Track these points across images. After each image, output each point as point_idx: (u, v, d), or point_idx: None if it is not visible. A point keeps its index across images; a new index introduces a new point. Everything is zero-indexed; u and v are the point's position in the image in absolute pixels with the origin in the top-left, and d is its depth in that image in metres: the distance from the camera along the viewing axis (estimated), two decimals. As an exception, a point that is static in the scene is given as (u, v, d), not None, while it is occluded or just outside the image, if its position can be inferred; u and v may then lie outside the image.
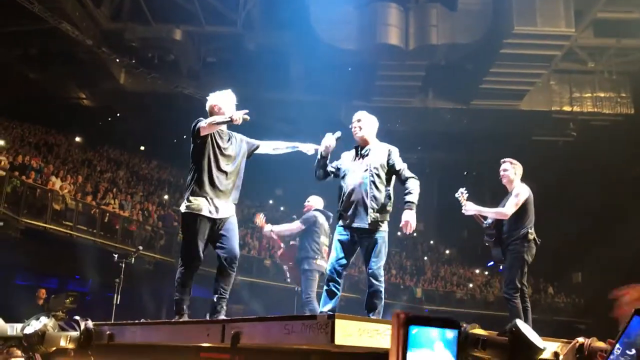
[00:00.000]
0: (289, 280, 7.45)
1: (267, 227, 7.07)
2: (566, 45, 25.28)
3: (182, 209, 4.97)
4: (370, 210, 4.79)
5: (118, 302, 6.75)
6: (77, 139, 28.11)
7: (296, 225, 7.07)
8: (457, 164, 35.14)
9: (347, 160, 5.21)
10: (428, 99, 29.63)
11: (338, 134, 5.28)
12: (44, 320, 2.60)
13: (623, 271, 27.00)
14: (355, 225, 4.88)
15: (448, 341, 1.18)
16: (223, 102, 5.26)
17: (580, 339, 2.75)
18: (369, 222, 4.78)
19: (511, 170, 5.66)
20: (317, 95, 28.16)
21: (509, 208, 5.40)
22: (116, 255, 6.92)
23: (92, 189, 19.43)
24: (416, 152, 35.19)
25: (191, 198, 4.92)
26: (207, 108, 5.35)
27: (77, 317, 2.78)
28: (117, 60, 25.58)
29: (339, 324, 1.69)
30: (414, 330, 1.09)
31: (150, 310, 19.64)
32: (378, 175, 4.95)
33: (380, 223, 4.81)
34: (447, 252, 36.23)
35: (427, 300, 27.45)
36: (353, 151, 5.28)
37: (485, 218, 5.77)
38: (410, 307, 25.94)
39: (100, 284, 19.96)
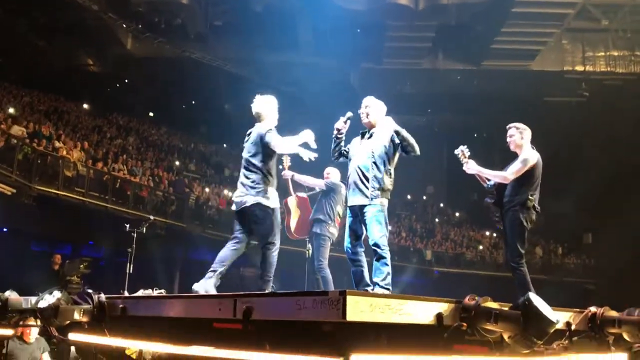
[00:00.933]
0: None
1: (289, 173, 7.01)
2: (579, 3, 24.78)
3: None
4: (371, 189, 5.11)
5: (131, 272, 6.78)
6: (86, 106, 28.09)
7: (320, 182, 7.03)
8: (467, 126, 34.83)
9: (354, 144, 5.53)
10: (438, 61, 29.27)
11: (349, 114, 5.51)
12: (57, 294, 2.62)
13: (633, 233, 27.00)
14: (356, 203, 5.22)
15: None
16: (269, 109, 5.74)
17: (593, 309, 2.73)
18: (370, 198, 5.11)
19: (517, 135, 5.44)
20: (326, 57, 27.90)
21: (510, 173, 5.28)
22: (128, 225, 6.91)
23: (103, 156, 19.51)
24: (426, 115, 34.95)
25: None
26: (254, 113, 5.73)
27: (90, 291, 2.80)
28: (124, 25, 25.42)
29: (351, 300, 1.71)
30: None
31: (163, 276, 19.95)
32: (380, 157, 5.21)
33: (379, 199, 5.10)
34: (457, 214, 36.25)
35: (436, 262, 27.58)
36: (360, 136, 5.59)
37: (488, 179, 5.65)
38: (420, 270, 26.10)
39: (113, 250, 20.23)
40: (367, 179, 5.15)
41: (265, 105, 5.70)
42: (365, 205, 5.13)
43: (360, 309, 1.79)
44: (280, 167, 7.02)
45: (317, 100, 29.78)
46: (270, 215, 5.29)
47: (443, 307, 2.11)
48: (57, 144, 16.63)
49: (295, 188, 7.30)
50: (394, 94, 30.47)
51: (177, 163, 26.28)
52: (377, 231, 5.02)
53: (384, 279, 4.89)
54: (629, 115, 25.39)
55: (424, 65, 29.36)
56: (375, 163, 5.17)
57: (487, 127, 35.99)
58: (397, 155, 5.27)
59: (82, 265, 9.52)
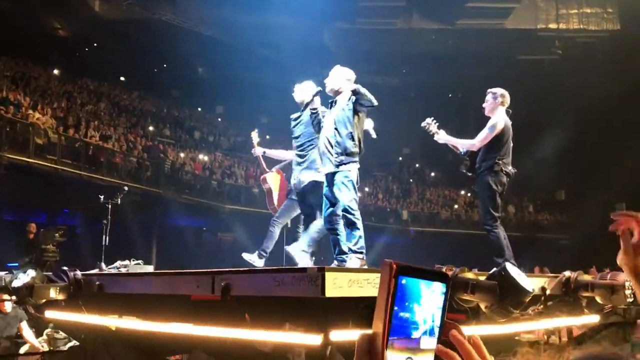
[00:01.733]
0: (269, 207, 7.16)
1: (259, 150, 6.87)
2: (553, -41, 24.64)
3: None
4: (335, 156, 5.10)
5: (107, 244, 6.67)
6: (55, 71, 27.37)
7: (290, 154, 6.88)
8: (443, 86, 34.88)
9: (325, 116, 5.48)
10: (412, 20, 29.06)
11: (318, 88, 5.51)
12: (31, 273, 2.56)
13: (605, 188, 27.58)
14: (326, 172, 5.24)
15: (438, 294, 1.17)
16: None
17: (567, 273, 2.79)
18: (335, 165, 5.11)
19: (491, 100, 5.50)
20: (299, 17, 27.46)
21: (478, 140, 5.38)
22: (102, 197, 6.76)
23: (74, 122, 19.12)
24: (401, 75, 34.84)
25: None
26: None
27: (65, 268, 2.74)
28: (90, -14, 24.61)
29: (329, 276, 1.70)
30: (403, 280, 1.09)
31: (141, 243, 19.87)
32: (340, 122, 5.17)
33: (345, 165, 5.06)
34: (433, 174, 36.58)
35: (413, 222, 27.91)
36: (329, 106, 5.54)
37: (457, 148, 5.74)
38: (397, 230, 26.39)
39: (89, 217, 20.05)
40: (332, 146, 5.16)
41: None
42: (333, 173, 5.13)
43: (339, 285, 1.79)
44: (252, 138, 6.96)
45: (293, 61, 29.45)
46: None
47: None
48: (27, 111, 16.20)
49: (267, 164, 7.19)
50: (370, 54, 30.30)
51: (150, 128, 25.90)
52: (345, 196, 5.01)
53: (356, 244, 4.93)
54: (601, 72, 25.65)
55: (398, 25, 29.13)
56: (336, 129, 5.15)
57: (462, 87, 36.09)
58: (360, 116, 5.19)
59: (57, 234, 9.38)
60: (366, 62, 32.89)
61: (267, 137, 32.00)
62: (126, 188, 7.02)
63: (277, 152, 7.05)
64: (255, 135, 6.87)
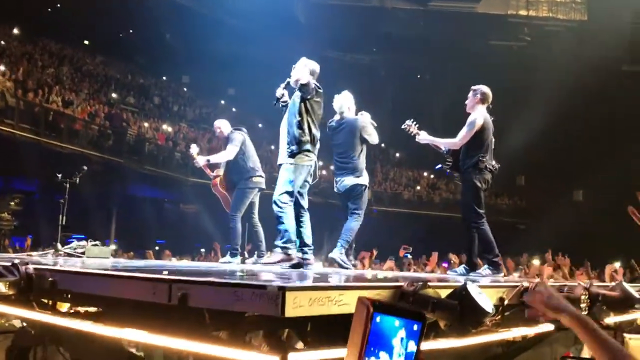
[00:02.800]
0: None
1: (201, 160, 6.81)
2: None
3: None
4: (287, 147, 5.05)
5: (64, 223, 6.47)
6: (15, 30, 26.36)
7: (228, 152, 6.70)
8: (412, 67, 34.98)
9: None
10: (386, -1, 28.96)
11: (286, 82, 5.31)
12: None
13: (565, 174, 28.28)
14: (280, 163, 5.19)
15: (412, 332, 1.16)
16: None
17: (525, 283, 2.83)
18: (286, 156, 5.05)
19: (471, 97, 5.50)
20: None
21: (458, 139, 5.39)
22: (59, 175, 6.55)
23: (34, 86, 18.50)
24: (371, 54, 34.78)
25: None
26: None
27: (16, 262, 2.63)
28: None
29: (290, 296, 1.67)
30: (378, 318, 1.07)
31: (100, 214, 19.52)
32: (292, 114, 5.10)
33: (294, 157, 4.97)
34: (397, 155, 36.80)
35: (375, 201, 28.08)
36: None
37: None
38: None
39: (48, 183, 19.58)
40: (286, 139, 5.12)
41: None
42: (281, 165, 5.10)
43: (299, 304, 1.76)
44: (191, 153, 6.98)
45: (262, 32, 29.05)
46: None
47: (382, 294, 2.11)
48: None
49: (211, 169, 7.14)
50: (341, 32, 30.12)
51: (114, 95, 25.28)
52: (278, 189, 4.95)
53: (281, 238, 4.87)
54: (568, 60, 26.08)
55: (371, 2, 28.97)
56: (289, 121, 5.11)
57: (430, 69, 36.29)
58: (310, 105, 5.06)
59: (12, 202, 9.15)
60: (337, 39, 32.76)
61: (234, 109, 31.77)
62: (85, 167, 6.80)
63: (218, 156, 6.95)
64: (193, 148, 6.92)
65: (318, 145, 5.15)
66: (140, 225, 21.17)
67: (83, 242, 6.51)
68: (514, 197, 32.29)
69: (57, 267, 2.72)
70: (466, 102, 5.56)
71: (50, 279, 2.50)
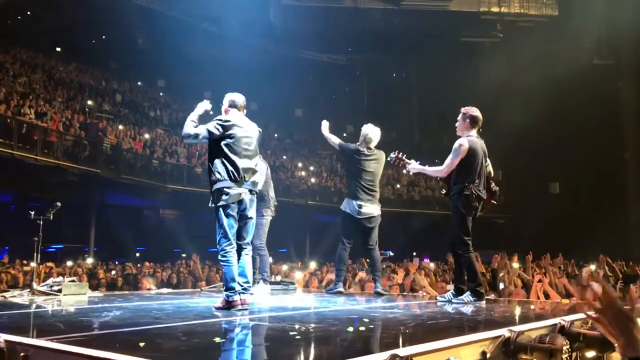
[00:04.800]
0: None
1: None
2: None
3: None
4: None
5: (39, 261, 6.35)
6: (-16, 40, 25.93)
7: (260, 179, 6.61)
8: (387, 65, 35.13)
9: None
10: (359, -1, 29.03)
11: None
12: None
13: (541, 168, 28.65)
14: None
15: None
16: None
17: (506, 334, 2.84)
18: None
19: (460, 120, 5.40)
20: (245, -8, 26.93)
21: (444, 167, 5.32)
22: (32, 212, 6.47)
23: (5, 97, 18.22)
24: (346, 54, 34.84)
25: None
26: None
27: None
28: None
29: None
30: None
31: (78, 224, 19.31)
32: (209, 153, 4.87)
33: (213, 197, 4.69)
34: (376, 152, 37.00)
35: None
36: None
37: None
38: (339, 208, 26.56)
39: (23, 195, 19.35)
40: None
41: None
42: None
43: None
44: None
45: (237, 37, 28.96)
46: None
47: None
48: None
49: None
50: (315, 33, 30.13)
51: (89, 102, 25.01)
52: (217, 233, 4.68)
53: (224, 285, 4.65)
54: (540, 55, 26.40)
55: (345, 3, 29.02)
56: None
57: (405, 67, 36.49)
58: (212, 141, 4.72)
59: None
60: (312, 40, 32.74)
61: (211, 113, 31.56)
62: (59, 204, 6.69)
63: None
64: None
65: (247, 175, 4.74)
66: (119, 233, 21.02)
67: (59, 279, 6.46)
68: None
69: (30, 342, 2.61)
70: (456, 124, 5.48)
71: (22, 354, 2.42)
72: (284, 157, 30.26)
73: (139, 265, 14.95)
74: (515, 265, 8.09)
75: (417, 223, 26.44)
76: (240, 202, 4.66)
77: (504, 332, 2.84)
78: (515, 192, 29.42)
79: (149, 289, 8.23)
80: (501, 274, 7.73)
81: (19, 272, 12.42)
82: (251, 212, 4.79)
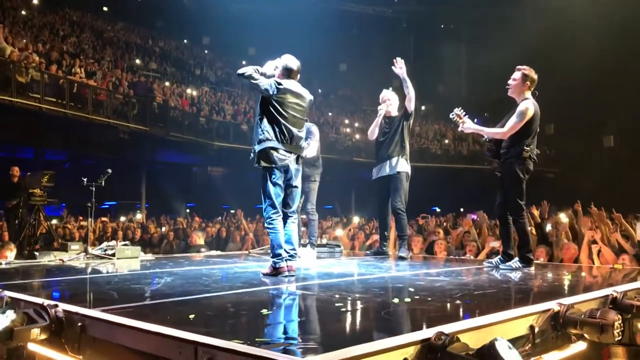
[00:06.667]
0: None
1: None
2: None
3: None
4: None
5: (92, 226, 6.54)
6: (35, 1, 26.40)
7: (314, 145, 6.47)
8: (434, 17, 34.17)
9: None
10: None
11: None
12: (10, 315, 2.46)
13: (594, 121, 27.69)
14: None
15: None
16: None
17: (555, 307, 2.75)
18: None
19: (519, 81, 5.19)
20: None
21: (507, 129, 5.13)
22: (85, 179, 6.62)
23: (58, 58, 18.59)
24: (392, 5, 34.02)
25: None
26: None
27: (46, 305, 2.65)
28: None
29: None
30: None
31: (129, 181, 19.79)
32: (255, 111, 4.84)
33: (259, 161, 4.60)
34: (423, 107, 36.37)
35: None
36: None
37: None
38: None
39: (78, 152, 19.94)
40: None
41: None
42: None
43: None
44: None
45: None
46: None
47: (408, 351, 2.08)
48: (6, 48, 15.60)
49: None
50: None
51: (136, 61, 25.33)
52: (263, 200, 4.68)
53: (271, 252, 4.63)
54: (597, 6, 25.14)
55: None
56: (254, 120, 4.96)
57: (453, 19, 35.34)
58: (265, 97, 4.63)
59: (44, 179, 9.25)
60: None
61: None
62: (109, 170, 6.82)
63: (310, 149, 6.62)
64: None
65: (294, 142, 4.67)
66: (169, 190, 21.53)
67: (113, 242, 6.65)
68: (542, 146, 31.82)
69: (86, 313, 2.70)
70: (510, 82, 5.27)
71: (79, 324, 2.51)
72: (329, 113, 30.12)
73: (188, 220, 15.34)
74: (564, 219, 7.83)
75: (465, 178, 26.09)
76: (286, 170, 4.64)
77: (553, 305, 2.75)
78: (567, 146, 28.65)
79: (199, 251, 8.40)
80: (548, 228, 7.55)
81: (75, 228, 12.96)
82: (297, 182, 4.77)
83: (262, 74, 4.62)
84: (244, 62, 33.18)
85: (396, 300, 3.35)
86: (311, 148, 6.24)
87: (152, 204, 21.38)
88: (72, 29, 24.92)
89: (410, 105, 6.40)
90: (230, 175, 24.88)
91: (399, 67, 6.37)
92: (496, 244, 6.22)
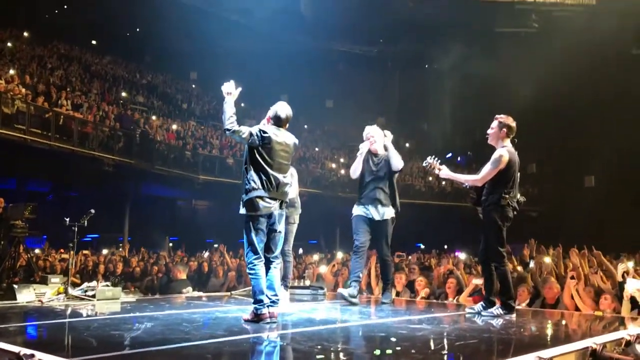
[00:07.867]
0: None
1: None
2: None
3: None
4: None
5: (72, 267, 6.49)
6: (25, 33, 26.55)
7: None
8: (419, 56, 34.81)
9: None
10: (391, -12, 28.84)
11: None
12: None
13: (575, 161, 28.11)
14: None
15: None
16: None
17: (593, 345, 2.79)
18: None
19: (496, 129, 5.22)
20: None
21: (481, 177, 5.18)
22: (67, 219, 6.63)
23: (44, 89, 18.61)
24: (377, 45, 34.64)
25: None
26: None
27: (22, 354, 2.62)
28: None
29: None
30: None
31: (113, 214, 19.66)
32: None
33: (244, 208, 4.65)
34: (407, 144, 36.72)
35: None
36: None
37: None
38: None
39: (60, 184, 19.80)
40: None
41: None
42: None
43: None
44: None
45: (266, 28, 29.06)
46: None
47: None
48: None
49: None
50: (345, 23, 30.01)
51: (123, 94, 25.42)
52: (245, 246, 4.68)
53: (253, 298, 4.60)
54: (576, 45, 25.80)
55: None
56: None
57: (438, 58, 36.00)
58: (250, 148, 4.68)
59: (26, 211, 9.16)
60: (343, 32, 32.68)
61: (242, 105, 31.81)
62: (92, 211, 6.85)
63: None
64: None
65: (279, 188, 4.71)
66: (153, 223, 21.39)
67: (93, 283, 6.59)
68: (525, 184, 32.13)
69: None
70: (488, 131, 5.33)
71: None
72: (316, 148, 30.29)
73: (171, 254, 15.21)
74: (547, 260, 7.88)
75: (449, 215, 26.23)
76: (270, 215, 4.65)
77: (532, 359, 2.77)
78: (549, 185, 28.99)
79: (180, 292, 8.32)
80: (531, 265, 7.61)
81: (56, 260, 12.79)
82: (280, 226, 4.76)
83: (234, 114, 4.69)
84: (242, 105, 33.61)
85: (377, 352, 3.34)
86: (292, 189, 6.21)
87: (135, 238, 21.17)
88: (60, 61, 25.02)
89: (398, 166, 6.26)
90: (215, 209, 24.82)
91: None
92: (479, 282, 6.23)
